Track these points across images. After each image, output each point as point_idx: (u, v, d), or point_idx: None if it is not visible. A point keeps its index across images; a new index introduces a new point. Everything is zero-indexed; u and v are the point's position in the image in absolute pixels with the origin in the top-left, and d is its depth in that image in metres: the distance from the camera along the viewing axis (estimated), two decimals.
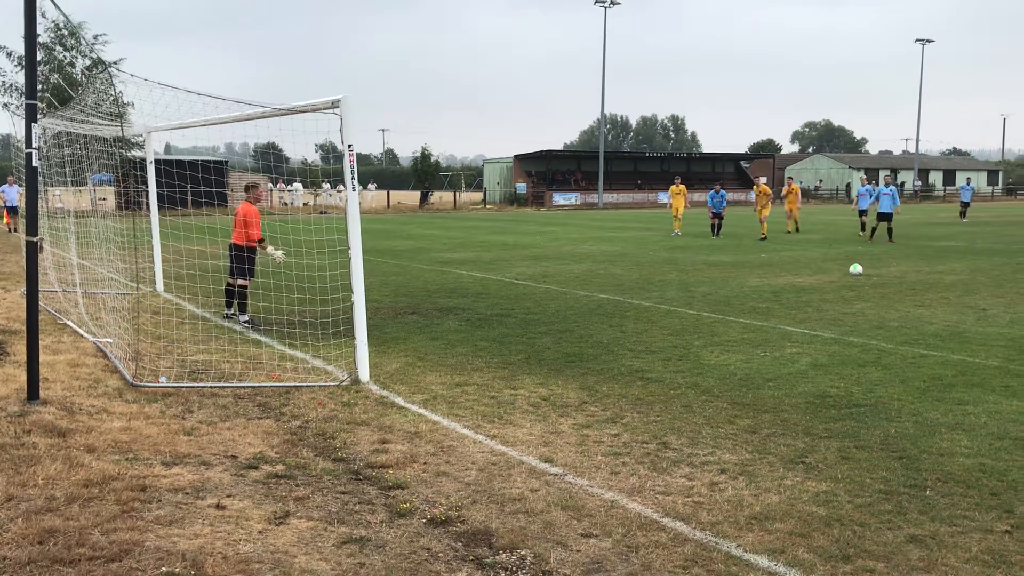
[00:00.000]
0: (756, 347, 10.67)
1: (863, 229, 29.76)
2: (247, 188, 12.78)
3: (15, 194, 31.66)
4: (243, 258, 12.29)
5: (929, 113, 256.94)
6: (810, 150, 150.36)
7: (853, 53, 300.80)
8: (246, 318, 12.32)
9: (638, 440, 7.00)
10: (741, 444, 6.89)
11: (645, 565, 4.79)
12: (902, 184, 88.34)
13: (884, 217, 27.72)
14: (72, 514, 5.27)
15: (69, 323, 12.06)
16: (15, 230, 30.88)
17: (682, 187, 33.19)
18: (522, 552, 4.95)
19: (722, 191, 31.64)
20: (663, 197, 69.92)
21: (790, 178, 34.80)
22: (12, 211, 32.25)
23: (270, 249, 12.34)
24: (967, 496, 5.74)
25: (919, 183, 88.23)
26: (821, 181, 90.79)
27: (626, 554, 4.93)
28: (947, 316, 12.99)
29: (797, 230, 32.14)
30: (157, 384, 8.67)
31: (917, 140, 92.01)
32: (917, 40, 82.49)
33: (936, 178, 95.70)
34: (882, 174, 35.55)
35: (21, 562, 4.60)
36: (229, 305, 12.78)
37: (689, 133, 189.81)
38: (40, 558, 4.65)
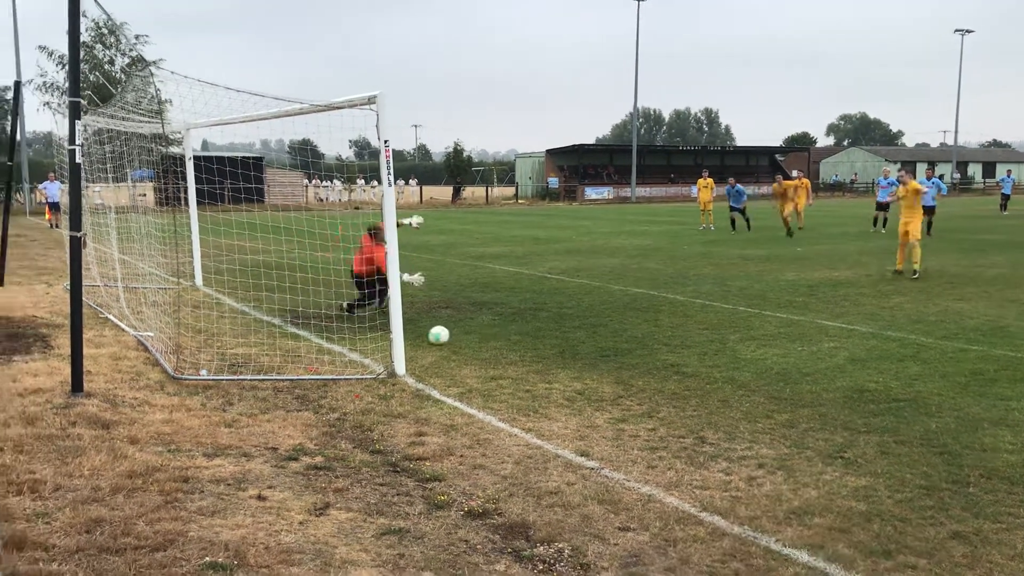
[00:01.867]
0: (793, 341, 10.60)
1: (875, 224, 29.39)
2: (374, 232, 12.47)
3: (56, 190, 32.28)
4: (374, 283, 12.09)
5: (968, 105, 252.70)
6: (845, 143, 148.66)
7: (890, 44, 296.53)
8: (349, 304, 12.43)
9: (674, 434, 6.99)
10: (779, 439, 6.86)
11: (683, 559, 4.79)
12: (940, 176, 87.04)
13: (926, 211, 27.32)
14: (117, 504, 5.38)
15: (111, 317, 12.26)
16: (57, 225, 31.46)
17: (709, 180, 32.60)
18: (560, 545, 4.96)
19: (738, 185, 30.37)
20: (696, 191, 69.61)
21: (800, 172, 34.68)
22: (54, 207, 32.90)
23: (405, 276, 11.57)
24: (1012, 492, 5.67)
25: (957, 175, 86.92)
26: (856, 175, 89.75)
27: (664, 548, 4.93)
28: (988, 310, 12.80)
29: (789, 232, 28.14)
30: (198, 377, 8.80)
31: (956, 132, 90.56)
32: (956, 31, 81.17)
33: (975, 170, 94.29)
34: (921, 167, 34.90)
35: (69, 551, 4.70)
36: (356, 307, 12.47)
37: (723, 126, 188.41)
38: (87, 547, 4.75)
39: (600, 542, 5.00)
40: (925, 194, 26.92)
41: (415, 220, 12.07)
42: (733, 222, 30.43)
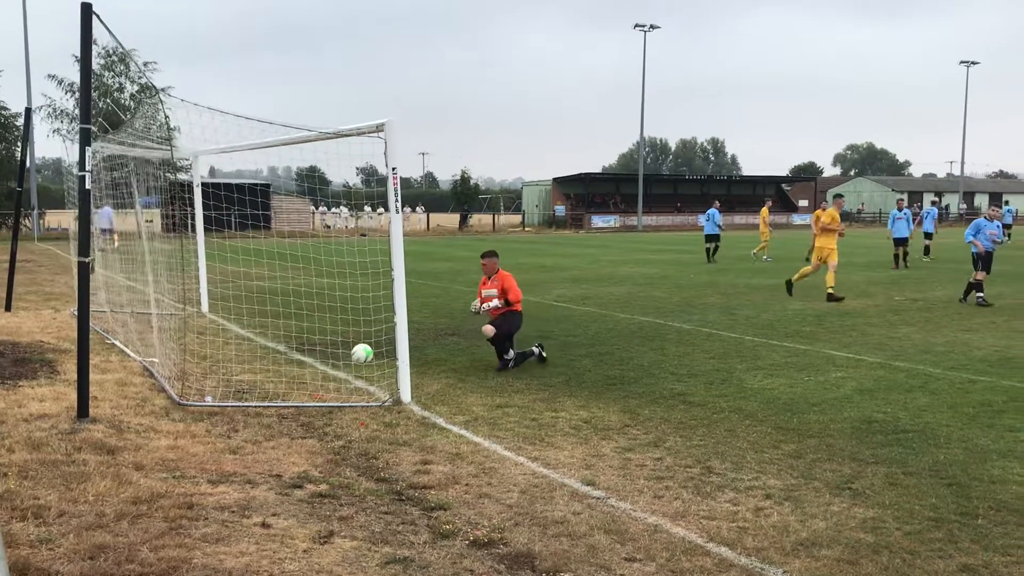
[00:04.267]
0: (800, 371, 10.56)
1: (927, 253, 28.42)
2: (486, 257, 11.39)
3: (108, 216, 32.79)
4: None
5: (975, 135, 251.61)
6: (852, 173, 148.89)
7: (896, 75, 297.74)
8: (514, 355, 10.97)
9: (681, 464, 6.95)
10: (786, 469, 6.81)
11: None
12: (947, 207, 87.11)
13: (901, 242, 26.88)
14: (121, 530, 5.35)
15: (117, 343, 12.27)
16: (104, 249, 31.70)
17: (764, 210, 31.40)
18: (565, 575, 4.92)
19: (711, 211, 30.17)
20: (703, 220, 69.81)
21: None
22: (105, 232, 33.34)
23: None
24: (1021, 525, 5.62)
25: (964, 206, 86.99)
26: (863, 204, 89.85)
27: None
28: (995, 341, 12.75)
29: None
30: (203, 403, 8.79)
31: (962, 163, 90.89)
32: (961, 62, 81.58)
33: (982, 201, 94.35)
34: (896, 198, 34.49)
35: None
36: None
37: (729, 156, 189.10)
38: (91, 573, 4.72)
39: (606, 573, 4.96)
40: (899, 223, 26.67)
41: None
42: (712, 252, 29.47)
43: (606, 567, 5.03)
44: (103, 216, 33.59)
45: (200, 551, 5.10)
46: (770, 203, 32.36)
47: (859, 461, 7.00)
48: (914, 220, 28.40)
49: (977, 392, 9.39)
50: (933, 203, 31.94)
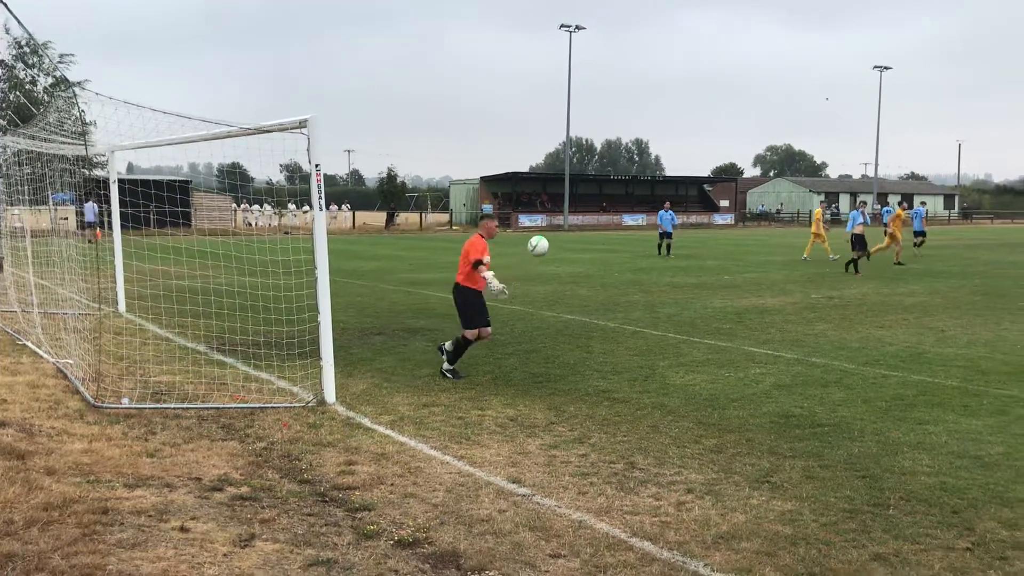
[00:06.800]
0: (721, 368, 10.77)
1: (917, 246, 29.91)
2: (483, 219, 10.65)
3: (93, 210, 32.08)
4: (463, 302, 10.44)
5: (888, 139, 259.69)
6: (771, 174, 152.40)
7: (814, 79, 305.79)
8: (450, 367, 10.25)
9: (605, 460, 7.02)
10: (707, 464, 6.94)
11: None
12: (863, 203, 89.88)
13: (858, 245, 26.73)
14: (31, 538, 5.17)
15: (28, 344, 11.85)
16: (91, 242, 30.77)
17: (818, 210, 31.54)
18: (490, 573, 4.93)
19: (670, 211, 33.54)
20: (628, 219, 70.66)
21: (901, 203, 31.51)
22: (90, 226, 32.40)
23: (489, 276, 10.10)
24: (929, 514, 5.83)
25: (878, 206, 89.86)
26: (783, 204, 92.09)
27: (594, 574, 4.93)
28: (907, 337, 13.20)
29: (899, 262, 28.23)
30: (119, 405, 8.55)
31: (876, 164, 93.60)
32: (875, 67, 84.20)
33: (894, 202, 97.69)
34: (845, 198, 35.47)
35: None
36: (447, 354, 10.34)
37: (653, 156, 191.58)
38: None
39: (531, 570, 4.98)
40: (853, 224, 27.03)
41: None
42: (660, 247, 32.49)
43: (531, 564, 5.05)
44: (88, 211, 32.86)
45: (115, 557, 4.96)
46: (823, 204, 34.04)
47: (777, 455, 7.17)
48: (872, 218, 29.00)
49: (890, 387, 9.71)
50: (923, 204, 33.89)
